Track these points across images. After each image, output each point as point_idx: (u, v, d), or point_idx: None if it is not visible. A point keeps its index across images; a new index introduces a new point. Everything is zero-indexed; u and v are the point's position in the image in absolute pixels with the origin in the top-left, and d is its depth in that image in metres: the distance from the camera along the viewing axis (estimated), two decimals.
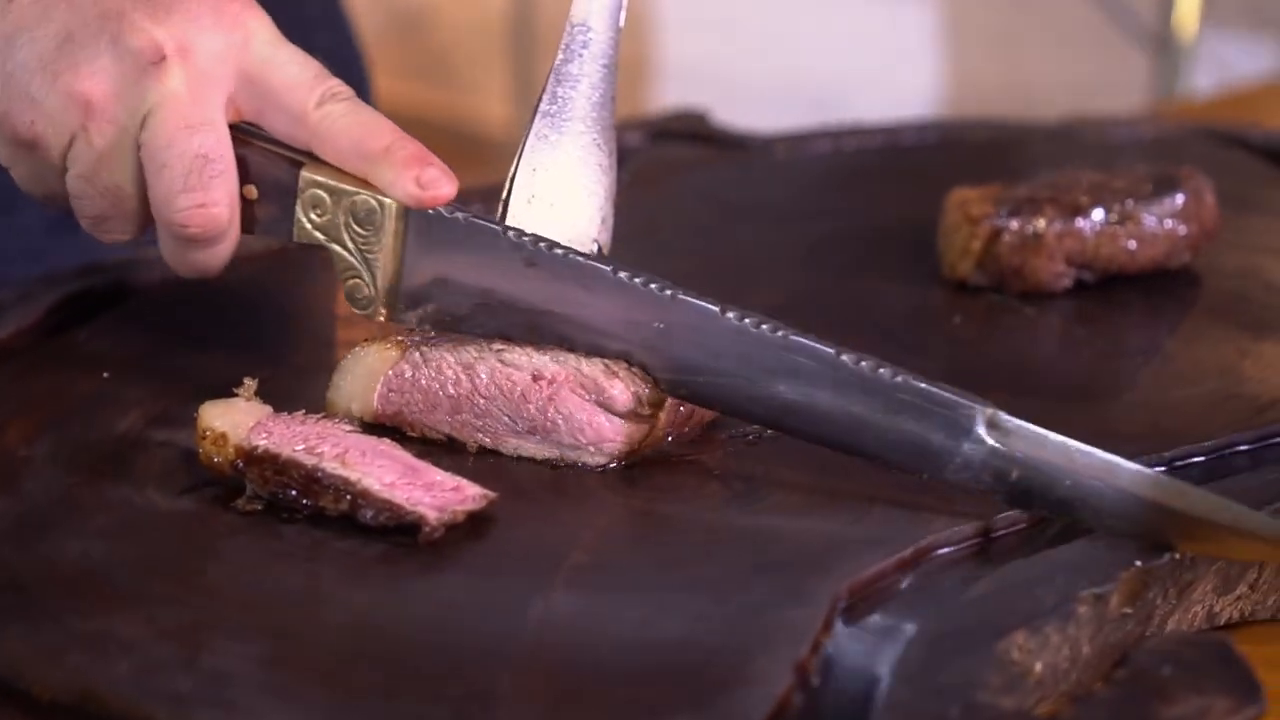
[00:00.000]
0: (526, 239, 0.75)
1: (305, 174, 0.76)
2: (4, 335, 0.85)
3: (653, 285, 0.74)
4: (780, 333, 0.72)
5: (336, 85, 0.77)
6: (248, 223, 0.78)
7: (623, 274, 0.74)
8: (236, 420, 0.70)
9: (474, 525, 0.68)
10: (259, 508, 0.69)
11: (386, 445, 0.70)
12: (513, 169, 0.79)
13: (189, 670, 0.59)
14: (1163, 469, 0.77)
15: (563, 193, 0.79)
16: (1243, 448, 0.79)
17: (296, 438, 0.70)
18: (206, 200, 0.75)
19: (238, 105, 0.77)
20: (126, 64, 0.74)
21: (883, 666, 0.61)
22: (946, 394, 0.70)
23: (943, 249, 0.98)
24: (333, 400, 0.76)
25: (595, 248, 0.80)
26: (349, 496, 0.67)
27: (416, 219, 0.75)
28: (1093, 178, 0.98)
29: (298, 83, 0.76)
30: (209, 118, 0.75)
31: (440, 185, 0.75)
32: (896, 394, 0.70)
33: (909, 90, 3.17)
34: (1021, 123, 1.29)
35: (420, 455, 0.71)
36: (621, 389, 0.73)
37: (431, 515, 0.66)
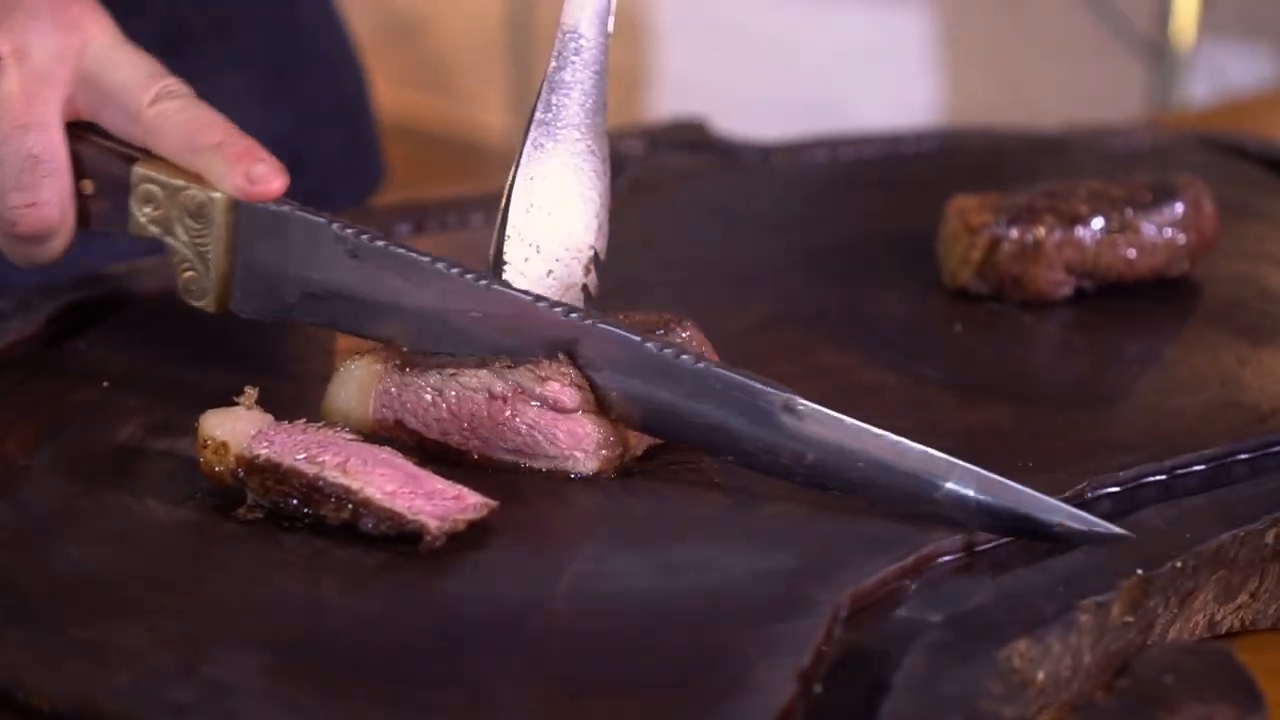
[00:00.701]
0: (350, 231, 0.77)
1: (137, 169, 0.79)
2: (4, 345, 0.85)
3: (469, 275, 0.75)
4: (590, 321, 0.74)
5: (173, 84, 0.79)
6: (84, 217, 0.80)
7: (440, 265, 0.76)
8: (237, 429, 0.70)
9: (475, 534, 0.68)
10: (260, 516, 0.69)
11: (388, 454, 0.70)
12: (510, 177, 0.79)
13: (189, 680, 0.59)
14: (1163, 477, 0.77)
15: (559, 200, 0.80)
16: (1243, 456, 0.79)
17: (298, 446, 0.69)
18: (36, 199, 0.78)
19: (76, 105, 0.80)
20: None
21: (885, 675, 0.61)
22: (746, 380, 0.72)
23: (942, 257, 0.98)
24: (328, 411, 0.76)
25: (592, 254, 0.80)
26: (350, 505, 0.67)
27: (246, 212, 0.77)
28: (1092, 186, 0.98)
29: (133, 82, 0.79)
30: (43, 118, 0.78)
31: (269, 180, 0.77)
32: (699, 381, 0.72)
33: (907, 99, 3.17)
34: (1020, 132, 1.29)
35: (423, 463, 0.71)
36: (558, 387, 0.73)
37: (433, 524, 0.66)
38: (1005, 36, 3.03)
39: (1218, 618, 0.72)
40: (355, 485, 0.68)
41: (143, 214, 0.79)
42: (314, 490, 0.68)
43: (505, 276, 0.78)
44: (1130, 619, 0.66)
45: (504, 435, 0.74)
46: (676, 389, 0.73)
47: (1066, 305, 0.96)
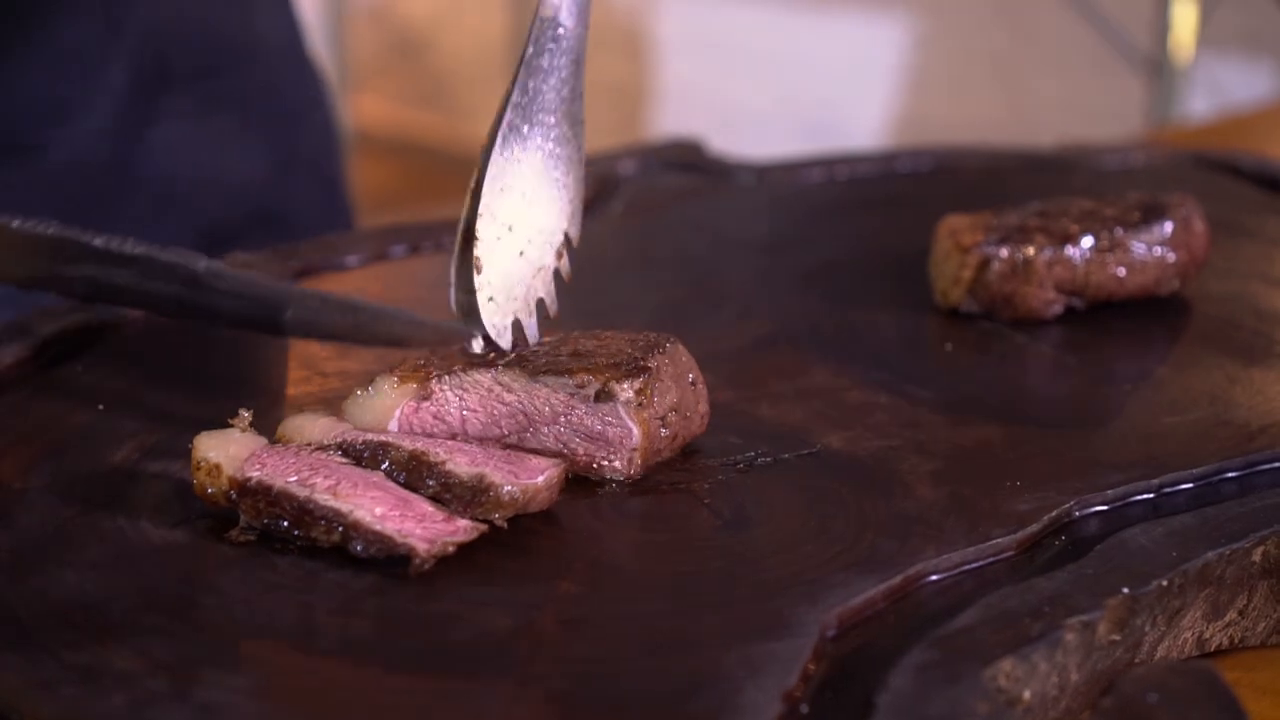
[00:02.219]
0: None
1: None
2: (1, 367, 0.85)
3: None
4: (51, 230, 0.79)
5: None
6: None
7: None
8: (231, 451, 0.71)
9: (465, 556, 0.68)
10: (252, 539, 0.70)
11: (379, 477, 0.71)
12: (483, 156, 0.80)
13: (182, 703, 0.60)
14: (1151, 495, 0.77)
15: (533, 183, 0.80)
16: (1232, 474, 0.79)
17: (290, 469, 0.70)
18: None
19: None
20: None
21: (871, 695, 0.61)
22: (173, 256, 0.78)
23: (934, 277, 0.99)
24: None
25: (563, 239, 0.81)
26: (340, 528, 0.68)
27: None
28: (1082, 205, 0.98)
29: None
30: None
31: None
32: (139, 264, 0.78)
33: (907, 115, 3.18)
34: (1014, 150, 1.29)
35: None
36: (612, 413, 0.75)
37: (422, 547, 0.67)
38: (1005, 52, 3.04)
39: (1207, 635, 0.72)
40: (346, 508, 0.68)
41: None
42: (305, 513, 0.68)
43: (476, 253, 0.79)
44: (1117, 637, 0.67)
45: (547, 434, 0.76)
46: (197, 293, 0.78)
47: (1057, 324, 0.96)
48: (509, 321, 0.79)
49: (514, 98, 0.80)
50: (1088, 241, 0.96)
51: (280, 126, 1.31)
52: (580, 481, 0.75)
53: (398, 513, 0.68)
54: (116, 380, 0.85)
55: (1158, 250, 0.97)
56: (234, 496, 0.70)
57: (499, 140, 0.79)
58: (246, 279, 0.78)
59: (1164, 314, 0.98)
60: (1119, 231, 0.96)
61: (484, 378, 0.77)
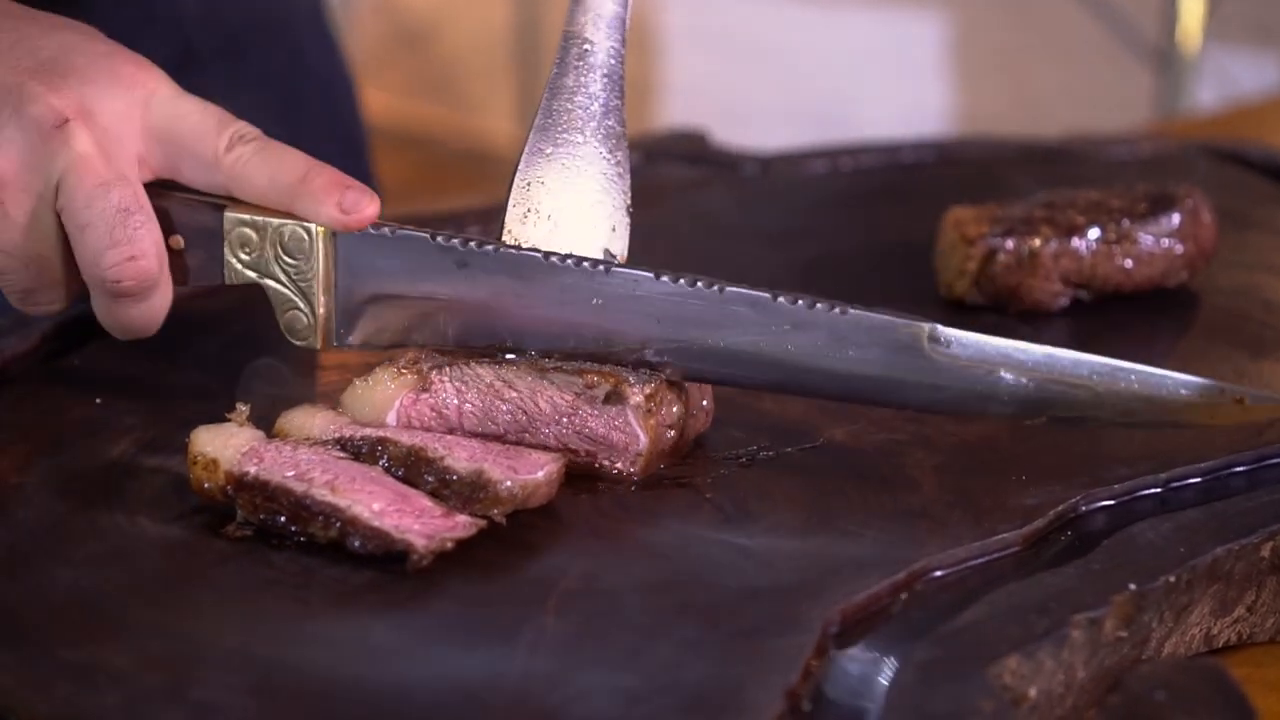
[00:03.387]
0: (455, 241, 0.76)
1: (229, 214, 0.78)
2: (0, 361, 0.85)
3: (585, 264, 0.75)
4: (715, 287, 0.74)
5: (243, 127, 0.79)
6: (178, 273, 0.79)
7: (554, 258, 0.75)
8: (228, 446, 0.70)
9: (464, 552, 0.67)
10: (249, 534, 0.69)
11: (377, 472, 0.70)
12: (509, 184, 0.79)
13: (177, 701, 0.59)
14: (1158, 490, 0.77)
15: (563, 205, 0.79)
16: (1240, 468, 0.78)
17: (287, 464, 0.69)
18: (135, 252, 0.76)
19: (149, 163, 0.78)
20: (30, 133, 0.75)
21: (875, 692, 0.60)
22: (885, 317, 0.72)
23: (939, 269, 0.98)
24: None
25: (604, 257, 0.79)
26: (338, 524, 0.67)
27: (345, 241, 0.77)
28: (1089, 197, 0.98)
29: (204, 129, 0.78)
30: (122, 173, 0.77)
31: (363, 206, 0.76)
32: (835, 326, 0.72)
33: (915, 106, 3.17)
34: (1021, 141, 1.28)
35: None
36: (635, 390, 0.74)
37: (420, 543, 0.66)
38: (1012, 43, 3.03)
39: (1214, 632, 0.71)
40: (343, 504, 0.67)
41: (239, 259, 0.78)
42: (302, 508, 0.68)
43: None
44: (1124, 634, 0.66)
45: (547, 433, 0.75)
46: (814, 336, 0.72)
47: (1064, 316, 0.95)
48: None
49: (537, 120, 0.79)
50: (1094, 233, 0.95)
51: (306, 105, 1.30)
52: (581, 476, 0.74)
53: (395, 508, 0.67)
54: (114, 374, 0.84)
55: (1165, 242, 0.96)
56: (231, 492, 0.69)
57: (520, 165, 0.79)
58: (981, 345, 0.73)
59: (1171, 306, 0.97)
60: (1126, 223, 0.95)
61: (486, 373, 0.76)
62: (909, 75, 3.17)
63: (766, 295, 0.73)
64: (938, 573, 0.69)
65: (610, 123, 0.80)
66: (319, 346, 0.78)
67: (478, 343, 0.76)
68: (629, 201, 0.81)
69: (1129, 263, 0.95)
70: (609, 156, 0.80)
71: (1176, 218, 0.96)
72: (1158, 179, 1.05)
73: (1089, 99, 2.82)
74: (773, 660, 0.62)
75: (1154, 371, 0.74)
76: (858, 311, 0.73)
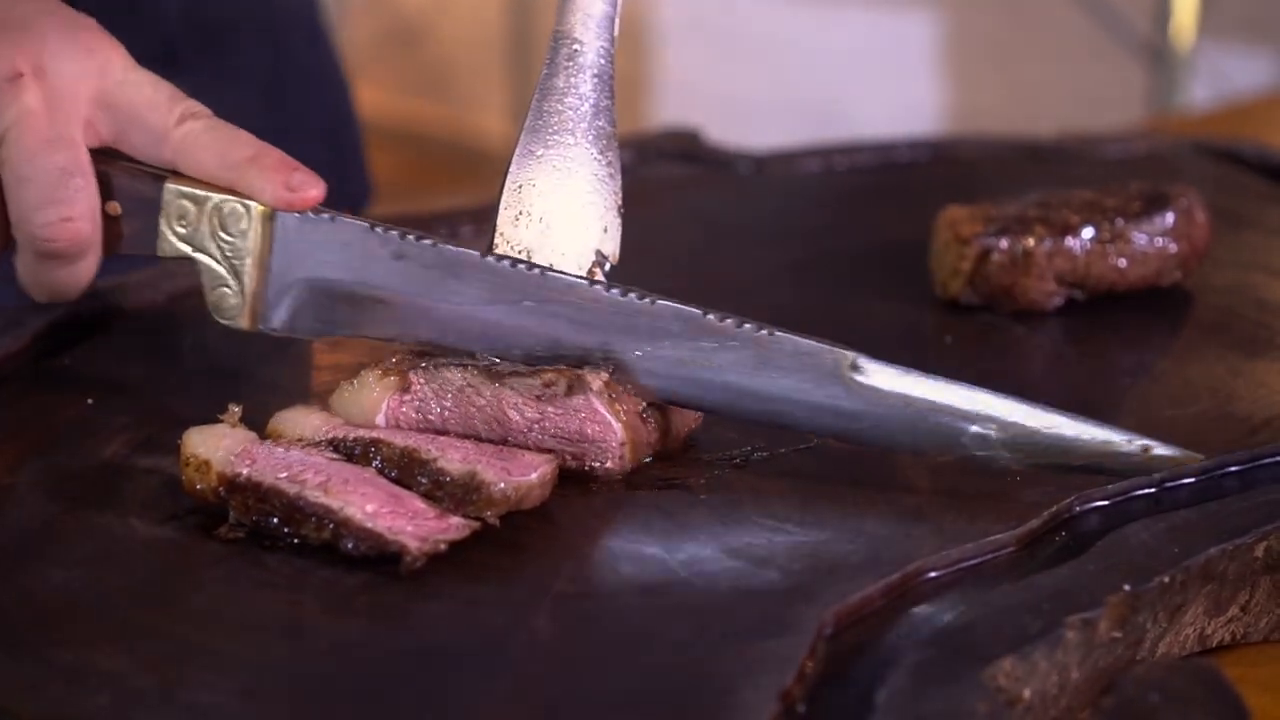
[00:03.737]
0: (393, 233, 0.76)
1: (170, 185, 0.78)
2: None
3: (520, 266, 0.75)
4: (647, 299, 0.74)
5: (194, 105, 0.79)
6: (111, 240, 0.79)
7: (490, 258, 0.75)
8: (220, 447, 0.70)
9: (457, 553, 0.67)
10: (241, 536, 0.69)
11: (370, 474, 0.70)
12: (500, 185, 0.79)
13: (168, 703, 0.59)
14: (1152, 490, 0.76)
15: (555, 206, 0.79)
16: (1234, 468, 0.78)
17: (279, 465, 0.69)
18: (70, 214, 0.77)
19: (97, 130, 0.79)
20: None
21: (869, 694, 0.60)
22: (811, 342, 0.72)
23: (933, 268, 0.98)
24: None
25: (597, 258, 0.80)
26: (331, 525, 0.67)
27: (283, 221, 0.77)
28: (1083, 196, 0.98)
29: (157, 103, 0.79)
30: (68, 133, 0.77)
31: (309, 187, 0.77)
32: (761, 348, 0.72)
33: (909, 104, 3.17)
34: (1015, 139, 1.28)
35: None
36: (584, 398, 0.74)
37: (413, 545, 0.66)
38: (1005, 40, 3.03)
39: (1208, 632, 0.71)
40: (336, 505, 0.67)
41: (174, 232, 0.78)
42: (295, 510, 0.68)
43: None
44: (1118, 635, 0.66)
45: (524, 441, 0.74)
46: (741, 357, 0.72)
47: (1058, 316, 0.95)
48: None
49: (528, 122, 0.79)
50: (1088, 232, 0.95)
51: (294, 102, 1.30)
52: (575, 478, 0.74)
53: (389, 510, 0.67)
54: (106, 374, 0.84)
55: (1159, 241, 0.96)
56: (223, 493, 0.69)
57: (511, 167, 0.79)
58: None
59: (1165, 306, 0.97)
60: (1120, 222, 0.95)
61: (455, 376, 0.75)
62: (903, 73, 3.17)
63: (697, 312, 0.74)
64: (932, 574, 0.69)
65: (601, 123, 0.80)
66: (245, 326, 0.78)
67: (409, 338, 0.76)
68: (620, 202, 0.80)
69: (1123, 262, 0.95)
70: (600, 158, 0.80)
71: (1170, 217, 0.96)
72: (1152, 177, 1.05)
73: (1083, 97, 2.82)
74: (767, 662, 0.62)
75: (1064, 419, 0.74)
76: (783, 334, 0.74)
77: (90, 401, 0.81)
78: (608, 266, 0.80)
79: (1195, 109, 2.31)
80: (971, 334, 0.94)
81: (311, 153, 1.32)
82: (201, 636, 0.63)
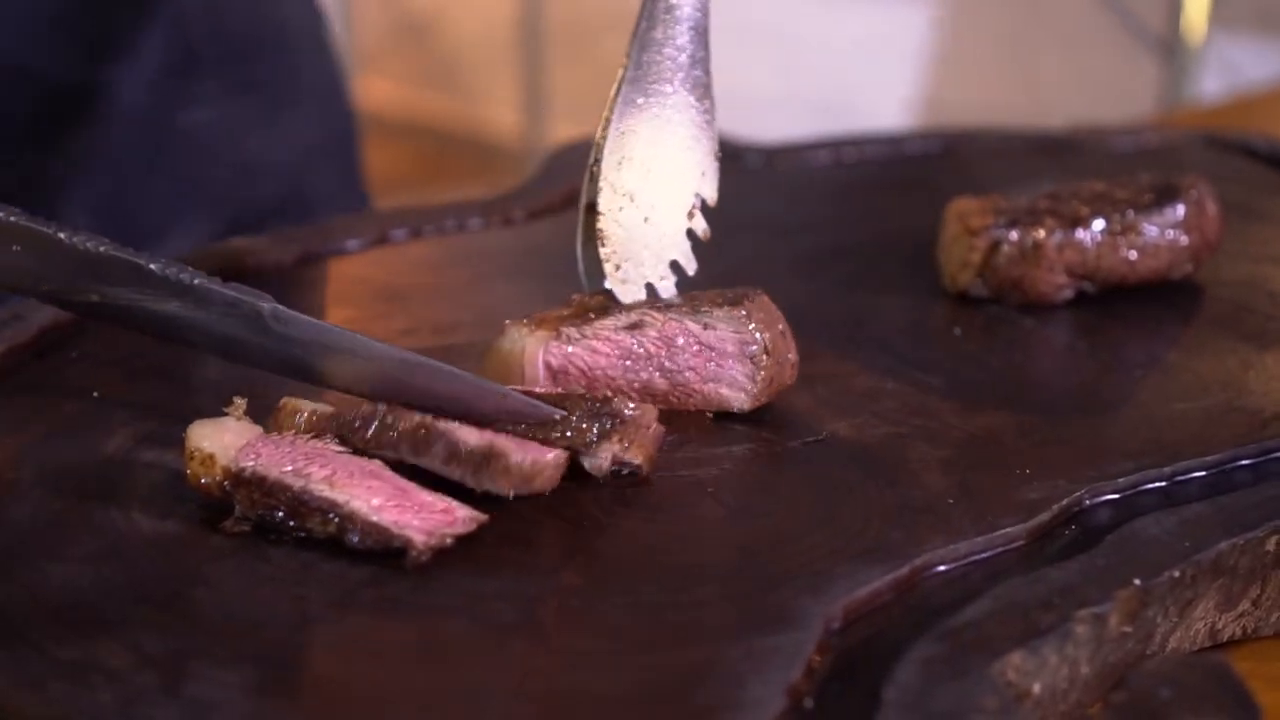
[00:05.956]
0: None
1: None
2: None
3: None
4: (103, 248, 0.74)
5: None
6: None
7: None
8: (225, 441, 0.70)
9: (464, 546, 0.67)
10: (247, 529, 0.68)
11: (375, 466, 0.69)
12: (599, 133, 0.82)
13: (173, 700, 0.58)
14: (1163, 484, 0.76)
15: (656, 153, 0.83)
16: (1245, 462, 0.78)
17: (284, 459, 0.69)
18: None
19: None
20: None
21: (877, 689, 0.60)
22: (232, 292, 0.74)
23: (942, 261, 0.97)
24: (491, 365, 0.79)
25: (696, 201, 0.84)
26: (336, 519, 0.67)
27: None
28: (1093, 188, 0.97)
29: None
30: None
31: None
32: (196, 295, 0.73)
33: (917, 96, 3.16)
34: (1025, 132, 1.28)
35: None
36: (738, 337, 0.79)
37: (419, 539, 0.66)
38: (1016, 32, 3.02)
39: (1219, 626, 0.71)
40: (341, 499, 0.67)
41: None
42: (300, 503, 0.67)
43: (599, 226, 0.82)
44: (1128, 629, 0.65)
45: (675, 379, 0.79)
46: (182, 303, 0.74)
47: (1068, 308, 0.95)
48: (641, 286, 0.83)
49: (629, 73, 0.82)
50: (1099, 224, 0.94)
51: (303, 113, 1.31)
52: (582, 472, 0.74)
53: (395, 503, 0.67)
54: (110, 368, 0.84)
55: (1170, 233, 0.95)
56: (228, 487, 0.69)
57: (614, 115, 0.82)
58: (314, 325, 0.74)
59: (1176, 298, 0.96)
60: (1130, 214, 0.95)
61: (608, 321, 0.80)
62: (911, 64, 3.16)
63: (140, 261, 0.74)
64: (941, 568, 0.69)
65: (698, 73, 0.83)
66: None
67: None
68: (717, 148, 0.84)
69: (1133, 254, 0.95)
70: (698, 105, 0.83)
71: (1181, 209, 0.95)
72: (1163, 169, 1.04)
73: (1093, 88, 2.81)
74: (774, 657, 0.61)
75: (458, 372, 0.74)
76: (208, 283, 0.74)
77: (94, 395, 0.81)
78: (709, 207, 0.84)
79: (1206, 101, 2.31)
80: (980, 326, 0.93)
81: (316, 170, 1.34)
82: (206, 632, 0.62)
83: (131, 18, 1.20)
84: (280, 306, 0.74)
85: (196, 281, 0.74)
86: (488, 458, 0.69)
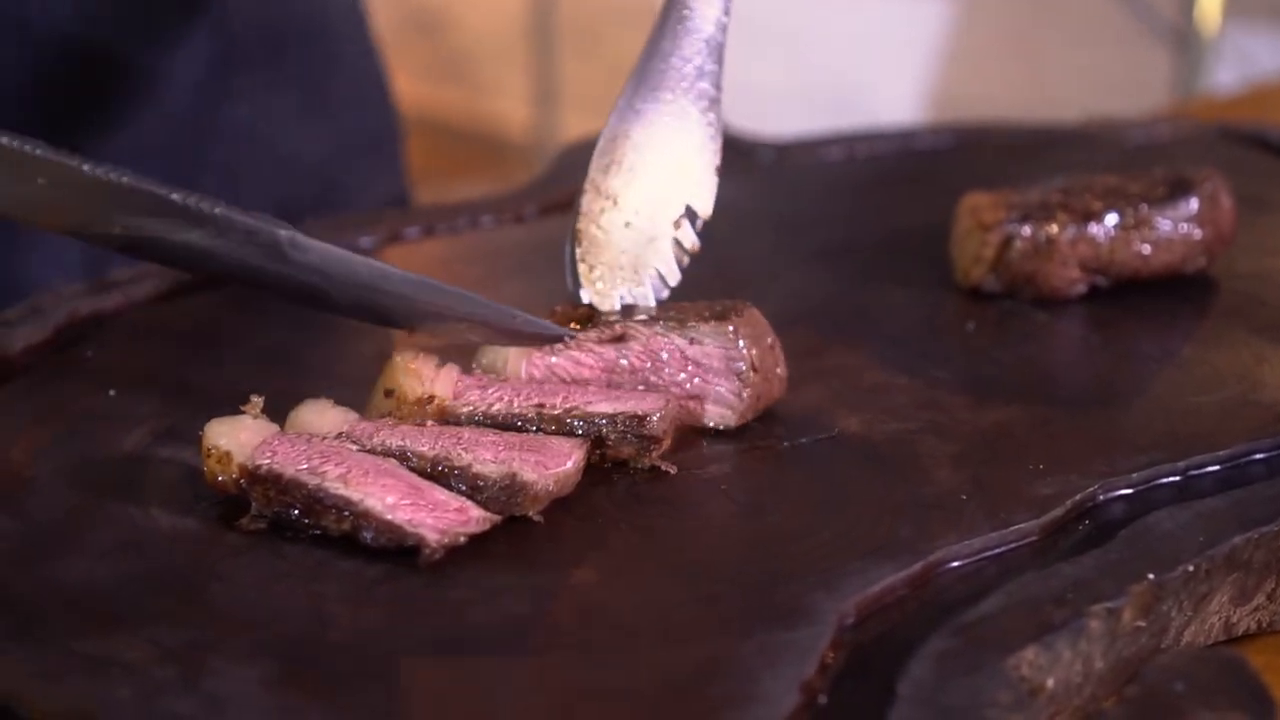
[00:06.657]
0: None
1: None
2: (13, 352, 0.85)
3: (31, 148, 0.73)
4: (125, 179, 0.73)
5: None
6: None
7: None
8: (242, 438, 0.70)
9: (477, 543, 0.67)
10: (263, 527, 0.69)
11: (390, 465, 0.70)
12: (600, 137, 0.82)
13: (190, 693, 0.59)
14: (1177, 478, 0.76)
15: (645, 159, 0.82)
16: (1259, 455, 0.78)
17: (300, 457, 0.69)
18: None
19: None
20: None
21: (891, 685, 0.60)
22: (252, 220, 0.74)
23: (955, 255, 0.97)
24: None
25: (683, 210, 0.83)
26: (351, 517, 0.67)
27: None
28: (1106, 182, 0.97)
29: None
30: None
31: None
32: (216, 223, 0.73)
33: (928, 90, 3.15)
34: (1038, 126, 1.28)
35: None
36: (724, 355, 0.78)
37: (432, 537, 0.66)
38: (1027, 24, 3.01)
39: (1234, 620, 0.71)
40: (356, 497, 0.67)
41: None
42: (315, 501, 0.67)
43: (577, 226, 0.81)
44: (1143, 624, 0.66)
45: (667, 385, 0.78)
46: (203, 233, 0.74)
47: (1081, 303, 0.95)
48: (616, 291, 0.82)
49: (632, 80, 0.82)
50: (1112, 219, 0.94)
51: (345, 106, 1.31)
52: (597, 468, 0.74)
53: (409, 502, 0.67)
54: (127, 365, 0.84)
55: (1184, 227, 0.95)
56: (244, 484, 0.69)
57: (612, 119, 0.82)
58: (332, 253, 0.74)
59: (1190, 292, 0.96)
60: (1144, 208, 0.95)
61: (597, 331, 0.79)
62: (922, 58, 3.16)
63: (163, 191, 0.73)
64: (954, 564, 0.69)
65: (704, 85, 0.83)
66: None
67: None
68: (718, 162, 0.83)
69: (1147, 248, 0.95)
70: (700, 117, 0.83)
71: (1195, 202, 0.95)
72: (1176, 163, 1.04)
73: (1107, 81, 2.80)
74: (788, 653, 0.62)
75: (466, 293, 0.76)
76: (229, 212, 0.74)
77: (111, 393, 0.81)
78: (699, 223, 0.83)
79: (1220, 93, 2.30)
80: (993, 321, 0.93)
81: (356, 164, 1.34)
82: (223, 627, 0.63)
83: (184, 3, 1.21)
84: (299, 234, 0.74)
85: (217, 211, 0.73)
86: (512, 491, 0.69)
